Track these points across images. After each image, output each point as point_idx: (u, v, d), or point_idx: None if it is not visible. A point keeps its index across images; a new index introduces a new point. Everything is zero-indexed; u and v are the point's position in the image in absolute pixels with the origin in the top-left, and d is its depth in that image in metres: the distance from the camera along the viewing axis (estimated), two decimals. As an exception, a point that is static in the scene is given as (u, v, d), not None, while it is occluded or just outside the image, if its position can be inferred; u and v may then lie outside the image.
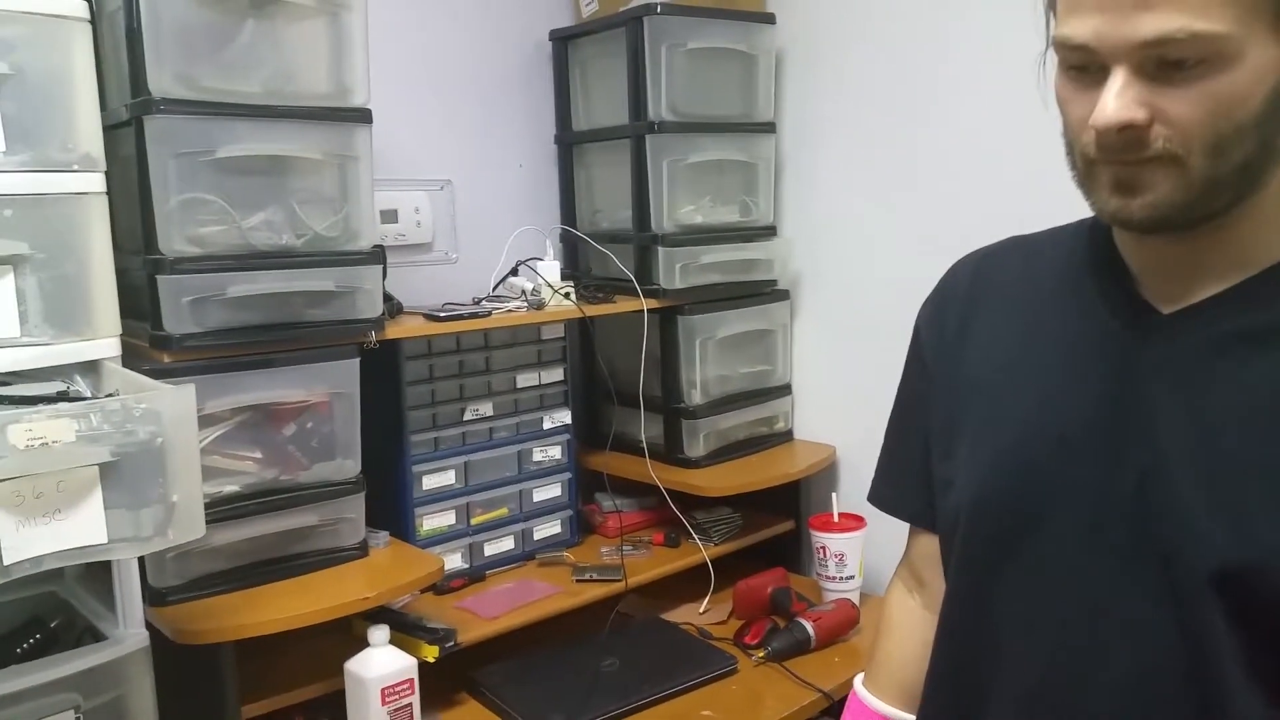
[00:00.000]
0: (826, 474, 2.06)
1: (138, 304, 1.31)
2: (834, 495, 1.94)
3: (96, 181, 1.13)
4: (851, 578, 1.87)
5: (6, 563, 0.85)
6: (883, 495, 1.01)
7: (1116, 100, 0.64)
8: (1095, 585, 0.74)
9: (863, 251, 1.98)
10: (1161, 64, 0.63)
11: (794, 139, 2.08)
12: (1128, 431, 0.73)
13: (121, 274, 1.18)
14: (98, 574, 1.23)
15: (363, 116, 1.44)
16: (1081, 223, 0.85)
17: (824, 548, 1.87)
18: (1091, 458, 0.75)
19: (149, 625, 1.18)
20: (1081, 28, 0.65)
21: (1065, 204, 0.82)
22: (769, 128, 2.02)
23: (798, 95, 2.06)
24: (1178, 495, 0.70)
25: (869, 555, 1.88)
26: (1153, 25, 0.61)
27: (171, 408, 1.00)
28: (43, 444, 0.88)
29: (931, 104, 1.83)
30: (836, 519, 1.91)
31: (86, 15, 1.13)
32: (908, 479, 0.96)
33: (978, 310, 0.89)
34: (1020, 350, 0.83)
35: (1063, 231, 0.87)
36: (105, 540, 0.94)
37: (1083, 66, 0.68)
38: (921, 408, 0.93)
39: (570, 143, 2.07)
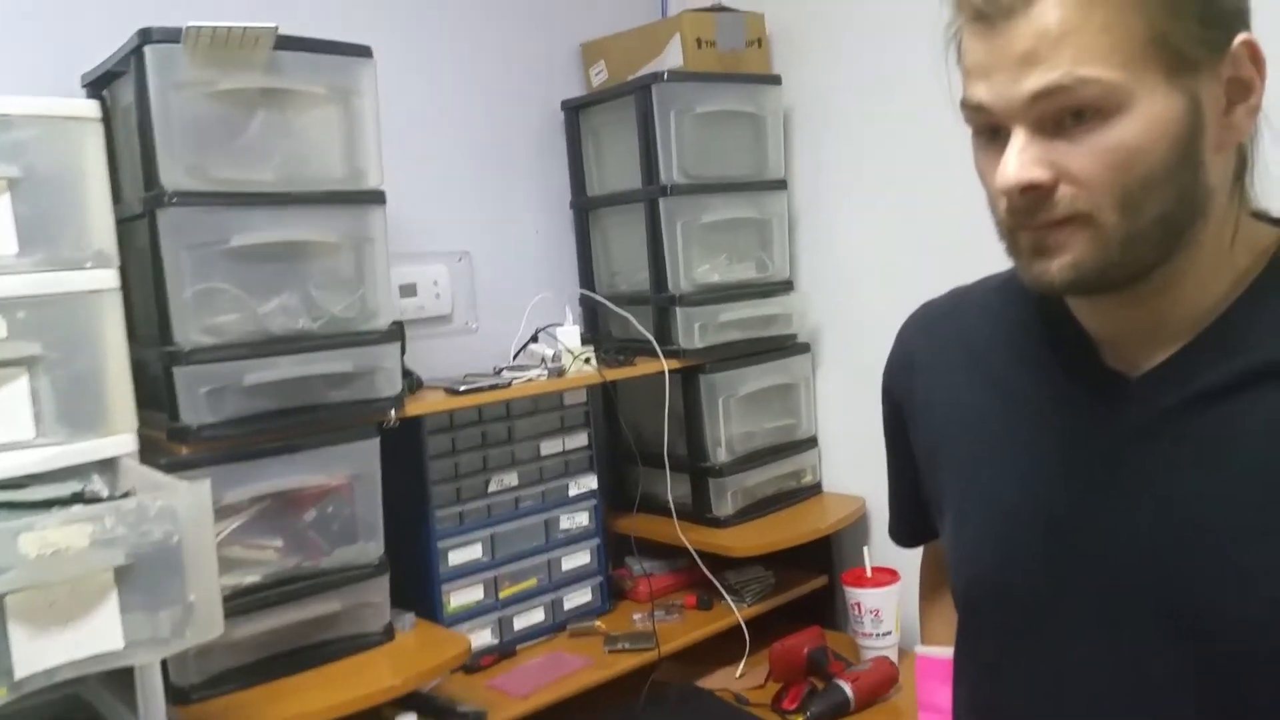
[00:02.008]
0: (857, 526, 2.02)
1: (154, 394, 1.31)
2: (865, 549, 1.90)
3: (110, 278, 1.14)
4: (889, 634, 1.82)
5: (18, 677, 0.84)
6: (899, 533, 1.04)
7: (1016, 160, 0.63)
8: (1114, 669, 0.70)
9: (880, 300, 1.95)
10: (1058, 121, 0.62)
11: (806, 194, 2.08)
12: (1125, 505, 0.70)
13: (137, 365, 1.18)
14: (120, 674, 1.21)
15: (376, 198, 1.45)
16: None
17: (859, 604, 1.83)
18: (1092, 536, 0.72)
19: (173, 723, 1.16)
20: (977, 89, 0.65)
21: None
22: (780, 185, 2.02)
23: (808, 151, 2.06)
24: (1206, 565, 0.66)
25: (905, 609, 1.83)
26: (1039, 79, 0.61)
27: (187, 505, 0.99)
28: (54, 552, 0.88)
29: (938, 152, 1.81)
30: (869, 574, 1.87)
31: (99, 115, 1.15)
32: (913, 518, 0.97)
33: (936, 373, 0.87)
34: (991, 423, 0.80)
35: (1007, 284, 0.83)
36: (121, 646, 0.93)
37: (992, 132, 0.67)
38: (908, 459, 0.92)
39: (585, 208, 2.08)
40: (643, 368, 1.85)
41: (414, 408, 1.54)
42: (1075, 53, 0.60)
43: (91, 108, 1.16)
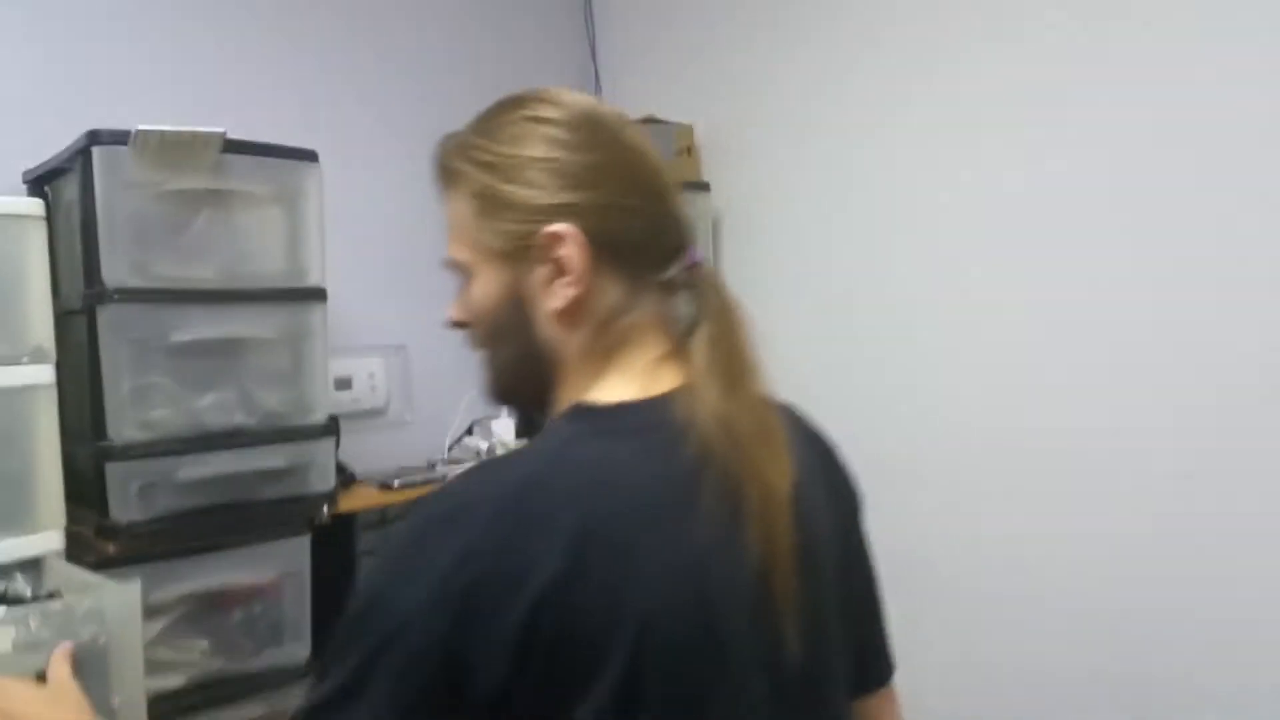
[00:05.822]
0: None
1: (84, 490, 1.28)
2: None
3: (45, 373, 1.14)
4: None
5: (-66, 787, 0.81)
6: None
7: (453, 304, 0.85)
8: None
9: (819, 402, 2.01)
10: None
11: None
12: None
13: (67, 459, 1.17)
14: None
15: (318, 295, 1.47)
16: None
17: None
18: None
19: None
20: None
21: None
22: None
23: (735, 253, 2.14)
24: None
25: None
26: (444, 252, 0.84)
27: (116, 606, 0.98)
28: (-22, 657, 0.86)
29: (863, 257, 1.90)
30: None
31: (42, 213, 1.16)
32: None
33: None
34: None
35: None
36: (41, 753, 0.90)
37: None
38: None
39: (522, 304, 2.11)
40: (577, 464, 1.86)
41: (347, 503, 1.53)
42: (452, 237, 0.83)
43: (35, 205, 1.17)
